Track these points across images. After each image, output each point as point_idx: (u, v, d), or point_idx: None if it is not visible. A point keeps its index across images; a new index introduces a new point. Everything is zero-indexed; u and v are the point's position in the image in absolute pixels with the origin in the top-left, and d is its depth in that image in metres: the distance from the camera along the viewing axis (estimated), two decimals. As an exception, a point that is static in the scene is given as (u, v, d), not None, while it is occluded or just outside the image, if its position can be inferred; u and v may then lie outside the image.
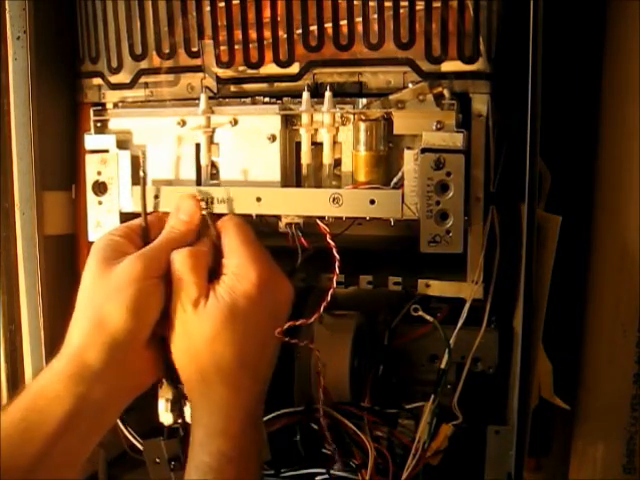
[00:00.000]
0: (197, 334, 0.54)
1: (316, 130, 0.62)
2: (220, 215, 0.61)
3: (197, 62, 0.66)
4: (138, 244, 0.59)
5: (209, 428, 0.53)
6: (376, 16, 0.60)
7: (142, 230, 0.61)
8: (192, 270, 0.55)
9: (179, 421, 0.73)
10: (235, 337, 0.54)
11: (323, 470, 0.66)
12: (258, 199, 0.61)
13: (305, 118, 0.61)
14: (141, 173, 0.63)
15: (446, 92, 0.59)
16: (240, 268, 0.55)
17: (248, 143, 0.63)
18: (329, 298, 0.60)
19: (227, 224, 0.59)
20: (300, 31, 0.62)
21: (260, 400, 0.56)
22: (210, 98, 0.64)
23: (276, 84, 0.65)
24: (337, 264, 0.59)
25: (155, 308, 0.55)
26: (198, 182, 0.65)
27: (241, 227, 0.58)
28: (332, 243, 0.60)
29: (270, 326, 0.56)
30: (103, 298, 0.54)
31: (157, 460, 0.66)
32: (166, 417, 0.75)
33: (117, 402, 0.57)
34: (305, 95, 0.61)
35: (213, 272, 0.57)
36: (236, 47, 0.64)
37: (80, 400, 0.52)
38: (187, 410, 0.75)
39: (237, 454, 0.52)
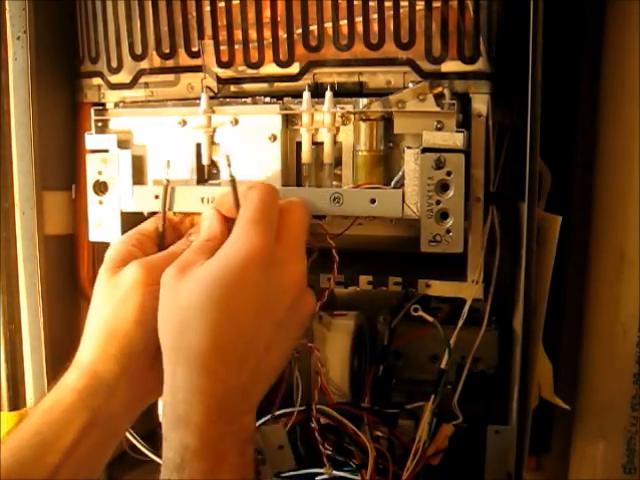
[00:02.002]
0: (173, 305, 0.49)
1: (317, 130, 0.62)
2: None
3: (197, 62, 0.66)
4: (150, 251, 0.57)
5: (171, 416, 0.47)
6: (376, 16, 0.60)
7: (158, 236, 0.60)
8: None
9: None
10: (211, 315, 0.46)
11: (323, 470, 0.66)
12: (258, 199, 0.61)
13: (306, 118, 0.61)
14: (164, 180, 0.62)
15: (446, 92, 0.59)
16: (236, 239, 0.49)
17: (249, 143, 0.63)
18: (325, 298, 0.60)
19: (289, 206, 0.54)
20: (300, 31, 0.62)
21: (241, 395, 0.47)
22: (211, 98, 0.64)
23: (276, 84, 0.65)
24: (336, 265, 0.60)
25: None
26: (199, 182, 0.65)
27: (270, 200, 0.52)
28: (332, 243, 0.60)
29: (262, 311, 0.48)
30: (109, 308, 0.53)
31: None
32: (166, 417, 0.76)
33: (131, 412, 0.56)
34: (306, 95, 0.61)
35: None
36: (236, 47, 0.64)
37: (94, 413, 0.52)
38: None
39: (204, 447, 0.45)
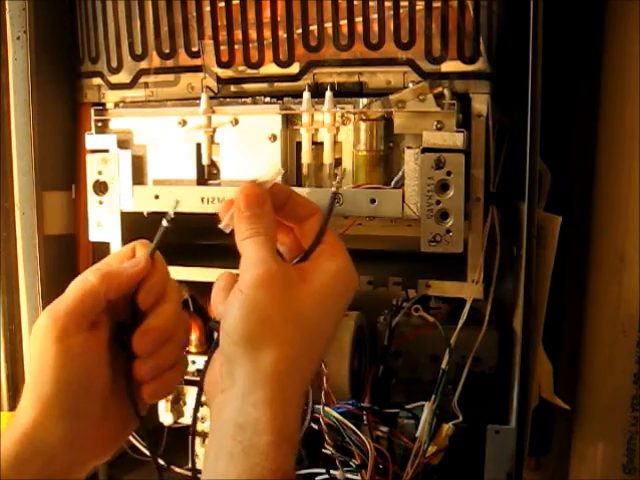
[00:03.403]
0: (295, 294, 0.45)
1: (317, 130, 0.62)
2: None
3: (197, 62, 0.66)
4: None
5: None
6: (376, 16, 0.60)
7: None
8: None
9: (179, 421, 0.73)
10: (324, 309, 0.46)
11: (323, 470, 0.66)
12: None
13: (306, 118, 0.61)
14: (164, 222, 0.50)
15: (446, 92, 0.59)
16: (335, 247, 0.49)
17: (249, 143, 0.63)
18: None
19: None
20: (300, 31, 0.62)
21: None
22: (211, 98, 0.64)
23: (276, 84, 0.65)
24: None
25: (88, 362, 0.46)
26: (199, 182, 0.65)
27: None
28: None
29: (340, 312, 0.49)
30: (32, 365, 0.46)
31: None
32: (166, 417, 0.76)
33: (82, 469, 0.48)
34: (306, 95, 0.61)
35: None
36: (236, 47, 0.64)
37: (41, 472, 0.45)
38: (187, 410, 0.76)
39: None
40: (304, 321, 0.45)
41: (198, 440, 0.73)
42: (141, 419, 0.49)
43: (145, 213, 0.66)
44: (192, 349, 0.74)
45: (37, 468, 0.44)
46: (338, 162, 0.63)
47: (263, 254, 0.46)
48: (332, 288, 0.47)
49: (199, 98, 0.64)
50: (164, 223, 0.49)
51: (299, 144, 0.63)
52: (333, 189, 0.52)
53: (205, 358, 0.50)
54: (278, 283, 0.45)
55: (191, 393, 0.75)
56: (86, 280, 0.46)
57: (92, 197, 0.68)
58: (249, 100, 0.64)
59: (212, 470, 0.42)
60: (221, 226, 0.50)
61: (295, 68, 0.63)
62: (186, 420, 0.76)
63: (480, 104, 0.60)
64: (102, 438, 0.48)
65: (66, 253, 0.74)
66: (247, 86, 0.65)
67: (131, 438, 0.69)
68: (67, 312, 0.45)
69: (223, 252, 0.56)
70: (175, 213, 0.49)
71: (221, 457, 0.41)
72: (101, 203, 0.67)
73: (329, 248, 0.49)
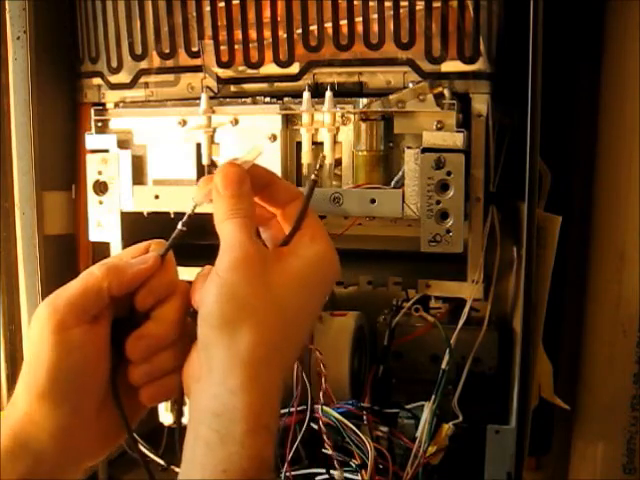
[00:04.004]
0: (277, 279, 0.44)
1: (317, 130, 0.62)
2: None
3: (197, 62, 0.66)
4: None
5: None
6: (376, 16, 0.60)
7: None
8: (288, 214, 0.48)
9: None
10: (304, 294, 0.45)
11: (323, 470, 0.66)
12: (258, 199, 0.61)
13: (306, 118, 0.61)
14: (179, 225, 0.48)
15: (446, 92, 0.59)
16: (315, 232, 0.47)
17: (249, 143, 0.63)
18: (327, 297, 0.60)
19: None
20: (300, 31, 0.62)
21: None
22: (210, 98, 0.64)
23: (276, 84, 0.65)
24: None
25: (86, 355, 0.44)
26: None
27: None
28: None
29: (320, 298, 0.48)
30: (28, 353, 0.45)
31: None
32: (166, 417, 0.76)
33: (73, 469, 0.46)
34: (306, 95, 0.61)
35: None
36: (236, 47, 0.64)
37: (30, 472, 0.43)
38: (187, 410, 0.75)
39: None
40: (283, 306, 0.44)
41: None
42: (126, 422, 0.46)
43: (145, 213, 0.66)
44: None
45: (26, 466, 0.43)
46: (338, 162, 0.63)
47: (241, 237, 0.44)
48: (312, 274, 0.46)
49: (199, 98, 0.64)
50: (179, 226, 0.48)
51: (299, 144, 0.63)
52: (312, 177, 0.51)
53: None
54: (256, 266, 0.43)
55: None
56: (91, 273, 0.45)
57: (92, 197, 0.68)
58: (249, 100, 0.64)
59: (190, 459, 0.41)
60: (193, 199, 0.48)
61: (295, 68, 0.63)
62: (186, 420, 0.76)
63: (480, 104, 0.60)
64: (94, 438, 0.46)
65: (66, 253, 0.74)
66: (247, 86, 0.65)
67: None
68: (68, 303, 0.43)
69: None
70: (180, 214, 0.48)
71: (198, 446, 0.40)
72: (101, 203, 0.67)
73: (309, 233, 0.47)
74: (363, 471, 0.64)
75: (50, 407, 0.43)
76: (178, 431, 0.63)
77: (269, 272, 0.44)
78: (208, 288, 0.43)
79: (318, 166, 0.53)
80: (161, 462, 0.74)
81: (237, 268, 0.43)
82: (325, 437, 0.65)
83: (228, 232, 0.45)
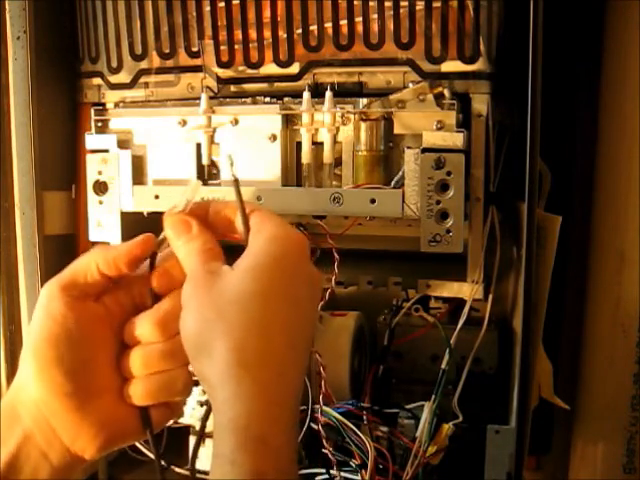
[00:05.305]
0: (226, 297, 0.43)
1: (317, 130, 0.62)
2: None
3: (197, 62, 0.66)
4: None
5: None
6: (376, 16, 0.60)
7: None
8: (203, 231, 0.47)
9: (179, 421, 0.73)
10: (265, 281, 0.43)
11: (323, 470, 0.66)
12: (259, 198, 0.62)
13: (306, 118, 0.61)
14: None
15: (446, 92, 0.59)
16: (261, 221, 0.46)
17: (249, 143, 0.63)
18: (326, 298, 0.60)
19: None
20: (300, 31, 0.62)
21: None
22: (210, 98, 0.64)
23: (276, 84, 0.65)
24: (336, 265, 0.60)
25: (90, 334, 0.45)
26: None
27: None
28: (332, 243, 0.60)
29: (292, 278, 0.44)
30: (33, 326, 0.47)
31: None
32: (166, 417, 0.76)
33: (59, 457, 0.46)
34: (306, 95, 0.61)
35: None
36: (236, 47, 0.64)
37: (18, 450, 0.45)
38: (187, 410, 0.75)
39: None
40: (242, 303, 0.42)
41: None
42: (150, 428, 0.47)
43: (145, 213, 0.66)
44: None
45: (16, 443, 0.44)
46: (338, 162, 0.63)
47: (193, 267, 0.45)
48: (266, 257, 0.43)
49: (199, 98, 0.64)
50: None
51: (299, 144, 0.63)
52: (232, 178, 0.49)
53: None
54: (206, 285, 0.43)
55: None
56: (80, 256, 0.47)
57: (92, 197, 0.68)
58: (249, 100, 0.64)
59: None
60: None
61: (295, 68, 0.63)
62: (186, 420, 0.76)
63: (480, 104, 0.60)
64: (83, 430, 0.45)
65: (66, 253, 0.74)
66: (247, 86, 0.65)
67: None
68: (60, 282, 0.46)
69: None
70: None
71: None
72: (101, 203, 0.68)
73: (256, 225, 0.46)
74: (363, 471, 0.64)
75: (55, 380, 0.45)
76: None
77: (218, 281, 0.43)
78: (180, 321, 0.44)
79: (230, 164, 0.51)
80: (161, 462, 0.74)
81: (191, 294, 0.44)
82: (325, 437, 0.65)
83: (186, 267, 0.46)
